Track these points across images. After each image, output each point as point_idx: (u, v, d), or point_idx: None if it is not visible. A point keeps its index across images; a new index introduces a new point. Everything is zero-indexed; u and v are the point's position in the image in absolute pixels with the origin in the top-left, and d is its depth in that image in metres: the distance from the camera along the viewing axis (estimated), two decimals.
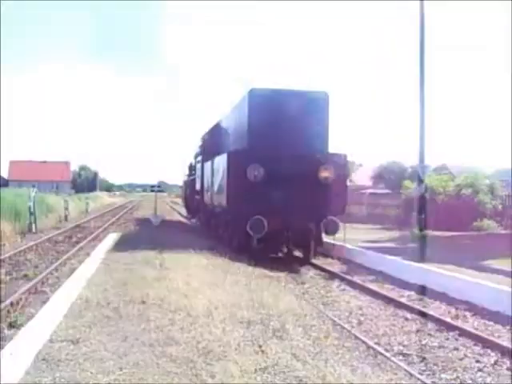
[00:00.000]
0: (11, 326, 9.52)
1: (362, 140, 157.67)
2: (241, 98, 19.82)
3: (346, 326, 9.79)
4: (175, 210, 53.51)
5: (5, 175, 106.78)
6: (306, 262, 18.04)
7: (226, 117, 23.63)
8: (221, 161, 19.97)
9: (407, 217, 23.57)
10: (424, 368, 7.90)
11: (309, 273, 16.44)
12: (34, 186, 30.29)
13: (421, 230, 20.72)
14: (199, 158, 28.57)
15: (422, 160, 21.42)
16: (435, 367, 7.93)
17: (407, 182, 28.52)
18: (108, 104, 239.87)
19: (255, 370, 6.25)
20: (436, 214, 22.53)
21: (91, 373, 5.91)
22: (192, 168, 33.33)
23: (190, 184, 33.79)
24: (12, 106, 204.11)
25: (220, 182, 19.90)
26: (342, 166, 19.00)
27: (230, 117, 22.76)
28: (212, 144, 24.98)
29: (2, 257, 17.93)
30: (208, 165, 23.14)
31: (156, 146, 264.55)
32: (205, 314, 8.59)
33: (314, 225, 17.88)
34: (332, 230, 18.01)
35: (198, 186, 27.74)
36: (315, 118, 18.40)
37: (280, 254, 19.21)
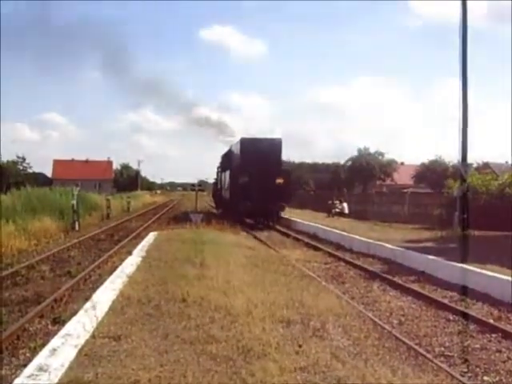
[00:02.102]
0: (55, 321, 9.72)
1: (403, 138, 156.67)
2: (237, 141, 36.45)
3: (386, 326, 9.74)
4: (213, 207, 54.11)
5: (48, 174, 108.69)
6: (271, 226, 32.00)
7: (232, 147, 39.17)
8: (228, 172, 37.06)
9: (449, 216, 23.19)
10: (466, 370, 7.80)
11: (349, 272, 16.42)
12: (77, 185, 30.75)
13: (463, 229, 20.40)
14: (220, 169, 45.03)
15: (464, 159, 21.06)
16: (477, 369, 7.83)
17: (450, 182, 28.09)
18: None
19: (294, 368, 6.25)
20: (479, 214, 22.11)
21: (132, 369, 5.97)
22: (217, 174, 47.59)
23: (215, 185, 48.84)
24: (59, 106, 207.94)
25: (228, 184, 36.62)
26: (288, 176, 34.62)
27: (233, 148, 38.44)
28: (225, 162, 41.20)
29: (47, 254, 18.29)
30: (223, 174, 41.01)
31: (197, 145, 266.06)
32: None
33: (274, 206, 32.22)
34: (282, 209, 33.09)
35: (219, 187, 44.32)
36: (274, 152, 33.61)
37: (261, 226, 32.48)
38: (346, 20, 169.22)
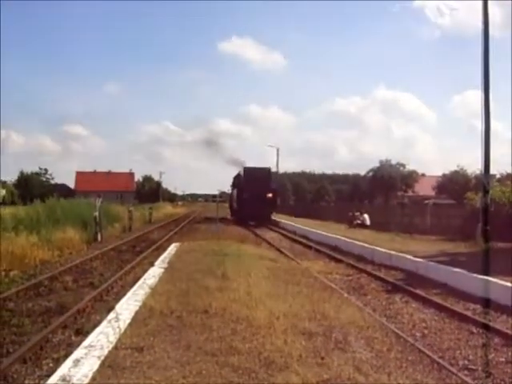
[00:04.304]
0: (78, 332, 9.79)
1: (424, 149, 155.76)
2: (242, 168, 52.09)
3: (409, 338, 9.66)
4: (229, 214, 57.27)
5: (71, 185, 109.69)
6: (263, 225, 44.52)
7: (240, 172, 53.38)
8: (236, 190, 51.88)
9: (472, 228, 23.00)
10: None
11: (371, 284, 16.34)
12: (99, 196, 30.95)
13: (486, 241, 20.21)
14: (232, 187, 57.50)
15: (487, 170, 20.92)
16: (502, 383, 7.73)
17: (470, 194, 27.94)
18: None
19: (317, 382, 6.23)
20: (501, 226, 21.93)
21: (155, 380, 5.99)
22: (231, 190, 59.03)
23: (230, 198, 59.91)
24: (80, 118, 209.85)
25: (236, 198, 51.27)
26: (275, 192, 50.42)
27: (240, 173, 52.90)
28: (235, 182, 55.65)
29: (70, 265, 18.43)
30: (234, 190, 54.26)
31: (217, 156, 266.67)
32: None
33: (265, 212, 47.20)
34: (271, 214, 48.78)
35: (232, 199, 56.27)
36: (266, 176, 49.33)
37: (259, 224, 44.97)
38: (364, 31, 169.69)
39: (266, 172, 50.99)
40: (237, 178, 55.45)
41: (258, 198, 45.91)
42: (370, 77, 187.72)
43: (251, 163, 55.90)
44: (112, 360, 6.70)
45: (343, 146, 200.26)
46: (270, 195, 48.37)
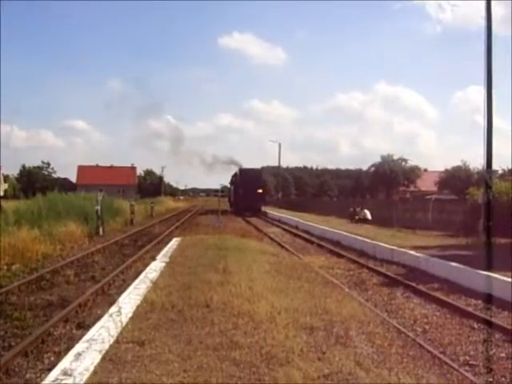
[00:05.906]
0: (79, 326, 9.79)
1: (426, 144, 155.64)
2: (238, 169, 65.73)
3: (410, 334, 9.66)
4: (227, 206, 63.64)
5: (73, 179, 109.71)
6: (256, 215, 54.15)
7: (236, 171, 64.86)
8: (233, 186, 63.39)
9: (473, 223, 22.94)
10: (491, 379, 7.72)
11: (373, 279, 16.35)
12: (101, 191, 30.93)
13: (488, 237, 20.14)
14: (230, 184, 66.70)
15: (489, 165, 20.78)
16: (503, 379, 7.73)
17: (472, 189, 27.88)
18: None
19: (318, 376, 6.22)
20: (504, 221, 21.87)
21: (156, 374, 6.00)
22: (230, 186, 68.06)
23: (229, 193, 67.91)
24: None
25: (233, 193, 62.94)
26: (265, 188, 64.39)
27: (236, 172, 64.16)
28: (233, 180, 65.01)
29: (71, 259, 18.44)
30: (232, 187, 64.56)
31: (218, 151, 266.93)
32: None
33: (257, 205, 57.58)
34: (261, 206, 58.80)
35: (230, 193, 65.24)
36: (257, 175, 60.87)
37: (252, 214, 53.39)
38: (365, 27, 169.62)
39: (257, 172, 62.99)
40: (234, 176, 66.16)
41: (250, 193, 56.30)
42: (371, 72, 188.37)
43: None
44: (113, 354, 6.71)
45: (345, 141, 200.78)
46: (261, 191, 58.90)
